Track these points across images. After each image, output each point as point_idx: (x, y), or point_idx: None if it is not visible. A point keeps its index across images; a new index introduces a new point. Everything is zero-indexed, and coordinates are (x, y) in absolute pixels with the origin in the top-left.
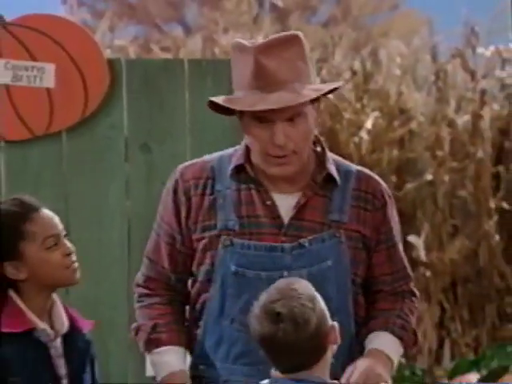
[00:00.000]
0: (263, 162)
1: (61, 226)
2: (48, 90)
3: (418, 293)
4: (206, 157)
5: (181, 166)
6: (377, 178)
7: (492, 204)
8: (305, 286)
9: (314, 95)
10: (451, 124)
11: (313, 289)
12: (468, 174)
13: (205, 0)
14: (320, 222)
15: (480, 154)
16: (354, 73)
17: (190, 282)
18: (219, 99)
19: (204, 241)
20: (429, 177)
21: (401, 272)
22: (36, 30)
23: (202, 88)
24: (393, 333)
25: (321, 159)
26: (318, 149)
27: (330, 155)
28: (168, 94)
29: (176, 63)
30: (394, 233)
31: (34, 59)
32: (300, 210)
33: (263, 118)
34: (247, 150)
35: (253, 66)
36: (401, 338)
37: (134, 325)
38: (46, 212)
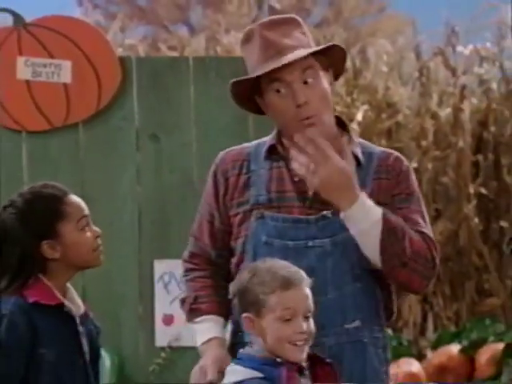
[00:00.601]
0: (293, 130)
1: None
2: (65, 85)
3: (436, 254)
4: (246, 144)
5: (222, 152)
6: (397, 154)
7: (471, 189)
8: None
9: (316, 48)
10: (434, 116)
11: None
12: (450, 162)
13: (208, 3)
14: None
15: (461, 143)
16: (345, 69)
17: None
18: (234, 80)
19: (239, 216)
20: (414, 165)
21: (414, 229)
22: (54, 30)
23: (206, 83)
24: (383, 211)
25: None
26: (346, 137)
27: (358, 140)
28: (174, 88)
29: (182, 60)
30: (405, 197)
31: (51, 57)
32: None
33: (280, 85)
34: (278, 133)
35: (259, 41)
36: (385, 221)
37: (181, 297)
38: (75, 196)
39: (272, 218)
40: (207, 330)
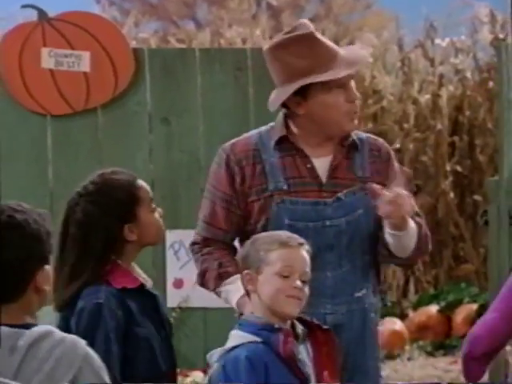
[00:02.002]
0: (340, 123)
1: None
2: (85, 73)
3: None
4: (246, 134)
5: (228, 144)
6: (381, 140)
7: (448, 167)
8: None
9: (368, 53)
10: (415, 102)
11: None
12: (429, 143)
13: (213, 0)
14: (350, 179)
15: (439, 126)
16: None
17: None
18: (311, 80)
19: (259, 202)
20: (397, 145)
21: (415, 212)
22: (74, 25)
23: (211, 72)
24: (412, 218)
25: None
26: None
27: None
28: (183, 77)
29: (189, 52)
30: (398, 181)
31: (72, 48)
32: (333, 170)
33: (335, 85)
34: (286, 124)
35: (317, 48)
36: (419, 227)
37: (199, 271)
38: (141, 180)
39: (292, 203)
40: (241, 286)
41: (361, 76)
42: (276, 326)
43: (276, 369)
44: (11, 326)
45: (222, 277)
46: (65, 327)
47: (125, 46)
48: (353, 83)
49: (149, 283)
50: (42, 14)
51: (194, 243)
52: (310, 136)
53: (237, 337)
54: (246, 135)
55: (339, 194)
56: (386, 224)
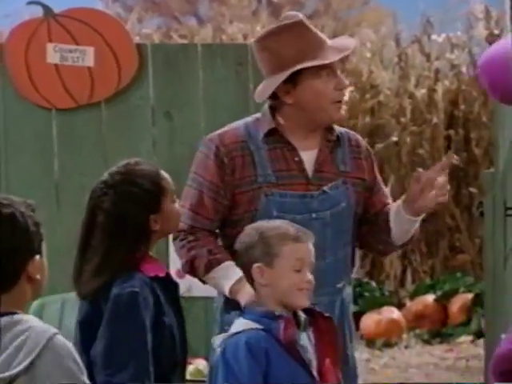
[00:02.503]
0: (328, 112)
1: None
2: (89, 68)
3: None
4: (232, 124)
5: (215, 134)
6: (359, 136)
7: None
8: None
9: (353, 42)
10: (411, 96)
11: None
12: (425, 136)
13: None
14: (334, 173)
15: (435, 120)
16: None
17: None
18: (302, 65)
19: (248, 193)
20: (394, 139)
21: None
22: (79, 20)
23: (213, 67)
24: None
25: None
26: None
27: None
28: (185, 71)
29: (191, 47)
30: (379, 177)
31: (77, 43)
32: (319, 164)
33: (326, 70)
34: (274, 116)
35: (306, 36)
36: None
37: (186, 259)
38: (164, 171)
39: (281, 195)
40: (233, 273)
41: (358, 71)
42: (277, 313)
43: (277, 355)
44: None
45: (212, 264)
46: (92, 314)
47: (128, 42)
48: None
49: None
50: (47, 10)
51: (179, 231)
52: (297, 128)
53: (239, 324)
54: (232, 126)
55: (324, 188)
56: (404, 209)
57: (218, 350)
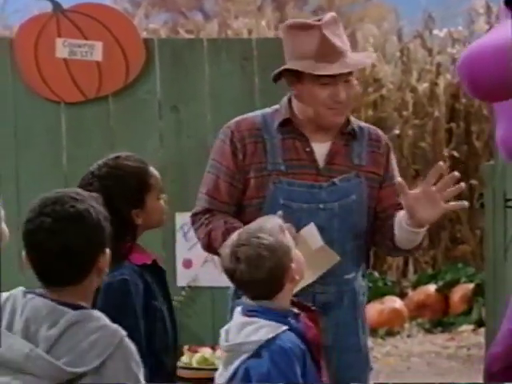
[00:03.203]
0: (322, 115)
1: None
2: (97, 62)
3: None
4: (250, 114)
5: (233, 121)
6: (381, 131)
7: (445, 153)
8: (270, 234)
9: (369, 62)
10: (413, 90)
11: (277, 235)
12: (427, 129)
13: None
14: (346, 166)
15: (436, 113)
16: None
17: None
18: (293, 66)
19: (257, 179)
20: (396, 132)
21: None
22: (88, 16)
23: (218, 61)
24: None
25: (347, 118)
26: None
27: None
28: (191, 66)
29: (197, 42)
30: (395, 174)
31: (85, 38)
32: (331, 156)
33: (327, 81)
34: (290, 107)
35: (319, 40)
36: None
37: (204, 234)
38: (153, 168)
39: (288, 184)
40: None
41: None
42: (296, 311)
43: (307, 355)
44: (63, 303)
45: (229, 231)
46: None
47: (136, 37)
48: (351, 84)
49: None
50: (56, 5)
51: (195, 213)
52: (307, 120)
53: (263, 326)
54: (250, 114)
55: (334, 179)
56: (406, 220)
57: (253, 361)
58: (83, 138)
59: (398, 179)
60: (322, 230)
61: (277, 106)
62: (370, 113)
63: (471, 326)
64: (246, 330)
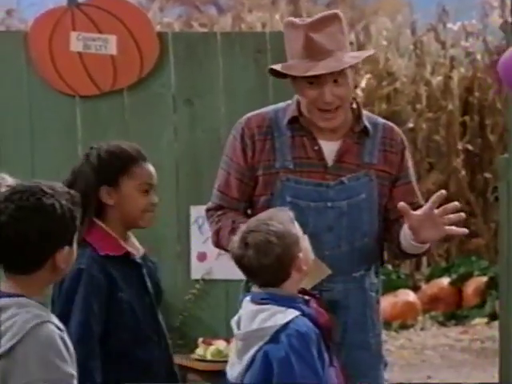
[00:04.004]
0: (314, 116)
1: (156, 181)
2: (111, 56)
3: None
4: (263, 109)
5: (244, 118)
6: (397, 128)
7: (459, 146)
8: (279, 222)
9: (353, 62)
10: (427, 83)
11: (287, 224)
12: (441, 122)
13: None
14: (355, 164)
15: (450, 106)
16: (350, 43)
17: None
18: (278, 66)
19: (266, 176)
20: (410, 125)
21: (415, 204)
22: (102, 9)
23: (232, 55)
24: None
25: (357, 114)
26: (354, 106)
27: (363, 111)
28: (205, 59)
29: (211, 36)
30: (409, 172)
31: (100, 32)
32: (340, 154)
33: (314, 80)
34: (299, 104)
35: (303, 40)
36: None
37: (213, 230)
38: (150, 165)
39: (296, 182)
40: None
41: (375, 59)
42: (306, 297)
43: (321, 340)
44: (1, 294)
45: (235, 231)
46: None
47: (150, 30)
48: (341, 84)
49: (141, 252)
50: None
51: (208, 209)
52: (311, 119)
53: (278, 312)
54: (263, 110)
55: (342, 178)
56: (411, 235)
57: (267, 346)
58: (98, 132)
59: (400, 203)
60: (330, 228)
61: (290, 101)
62: (383, 106)
63: (485, 319)
64: (260, 317)
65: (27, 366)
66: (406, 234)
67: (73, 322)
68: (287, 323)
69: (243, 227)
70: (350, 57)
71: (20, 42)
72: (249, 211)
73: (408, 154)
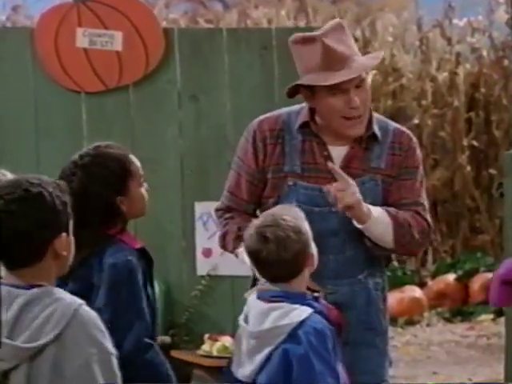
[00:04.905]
0: (338, 125)
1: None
2: (117, 52)
3: (431, 223)
4: (276, 112)
5: (257, 120)
6: (408, 132)
7: (465, 142)
8: (294, 218)
9: (375, 62)
10: (433, 79)
11: (301, 221)
12: (446, 118)
13: None
14: (362, 169)
15: (456, 103)
16: (356, 40)
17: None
18: (303, 81)
19: (274, 180)
20: (416, 121)
21: (415, 200)
22: (108, 5)
23: (238, 51)
24: (388, 212)
25: (368, 119)
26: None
27: (374, 115)
28: (211, 56)
29: (217, 32)
30: (411, 170)
31: (106, 28)
32: (347, 160)
33: (337, 89)
34: (311, 110)
35: (321, 51)
36: (394, 221)
37: (219, 234)
38: (133, 156)
39: (303, 187)
40: None
41: None
42: (315, 294)
43: (334, 335)
44: (17, 286)
45: (240, 239)
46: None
47: (156, 26)
48: (364, 88)
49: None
50: None
51: (218, 209)
52: (326, 127)
53: (292, 310)
54: (275, 113)
55: None
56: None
57: (282, 346)
58: (103, 128)
59: (330, 163)
60: (334, 233)
61: (304, 104)
62: (389, 102)
63: (491, 316)
64: (273, 315)
65: (79, 347)
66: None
67: (132, 310)
68: (303, 320)
69: (257, 222)
70: (369, 58)
71: (26, 39)
72: (258, 212)
73: (416, 155)
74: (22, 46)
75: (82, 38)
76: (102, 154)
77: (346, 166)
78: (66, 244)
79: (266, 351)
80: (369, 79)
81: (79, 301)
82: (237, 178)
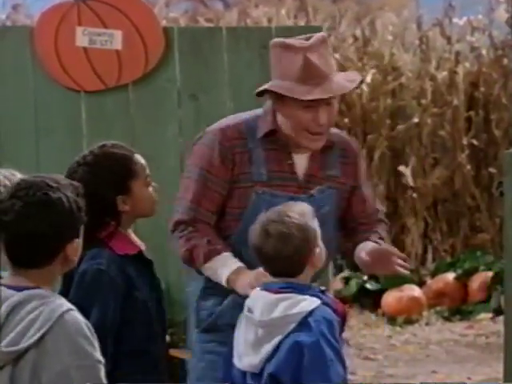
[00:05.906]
0: (301, 137)
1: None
2: (117, 51)
3: (387, 221)
4: (237, 118)
5: (217, 129)
6: (348, 138)
7: (465, 141)
8: (301, 215)
9: (352, 86)
10: (432, 78)
11: (308, 218)
12: (446, 117)
13: None
14: (321, 177)
15: (455, 102)
16: (356, 38)
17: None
18: (275, 88)
19: (241, 189)
20: (415, 120)
21: (375, 208)
22: (108, 4)
23: (237, 50)
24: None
25: None
26: None
27: None
28: (211, 54)
29: (217, 31)
30: (364, 178)
31: (105, 27)
32: (309, 168)
33: (308, 104)
34: (274, 118)
35: (302, 62)
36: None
37: (185, 248)
38: (140, 156)
39: (271, 195)
40: (232, 263)
41: (380, 53)
42: (322, 288)
43: (340, 327)
44: (10, 287)
45: (211, 253)
46: (62, 289)
47: (155, 25)
48: (333, 106)
49: (143, 247)
50: None
51: (179, 222)
52: (290, 135)
53: (302, 300)
54: (231, 121)
55: (312, 191)
56: (361, 265)
57: (294, 335)
58: (103, 127)
59: (365, 257)
60: None
61: (258, 112)
62: (388, 101)
63: (490, 314)
64: (282, 304)
65: (59, 354)
66: (358, 257)
67: (90, 320)
68: (313, 310)
69: (263, 217)
70: (346, 80)
71: (26, 37)
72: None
73: (361, 162)
74: (21, 45)
75: (82, 37)
76: (104, 153)
77: (308, 174)
78: (77, 249)
79: (276, 340)
80: (368, 78)
81: (68, 306)
82: (202, 189)
